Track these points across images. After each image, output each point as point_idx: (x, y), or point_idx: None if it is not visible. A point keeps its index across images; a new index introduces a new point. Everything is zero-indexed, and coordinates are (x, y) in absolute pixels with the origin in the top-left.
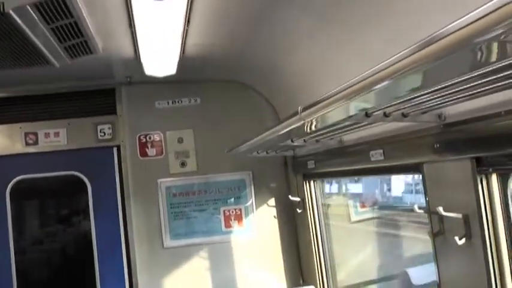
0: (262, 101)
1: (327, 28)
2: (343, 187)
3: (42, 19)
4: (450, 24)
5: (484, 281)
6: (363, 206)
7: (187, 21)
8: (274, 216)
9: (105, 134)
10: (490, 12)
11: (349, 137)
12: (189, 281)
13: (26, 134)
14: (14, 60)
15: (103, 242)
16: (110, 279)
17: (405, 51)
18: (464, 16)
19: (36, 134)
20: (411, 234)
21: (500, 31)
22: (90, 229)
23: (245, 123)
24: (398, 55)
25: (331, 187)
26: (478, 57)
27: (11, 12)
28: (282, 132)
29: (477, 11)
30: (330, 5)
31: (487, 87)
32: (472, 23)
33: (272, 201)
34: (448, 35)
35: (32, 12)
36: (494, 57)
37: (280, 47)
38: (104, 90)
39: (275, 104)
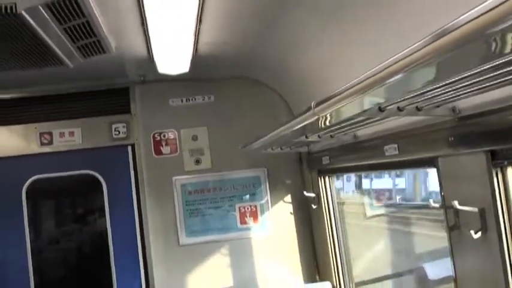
0: (275, 97)
1: (336, 24)
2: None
3: (54, 19)
4: (463, 15)
5: (500, 275)
6: None
7: (200, 19)
8: (291, 213)
9: (119, 132)
10: (503, 2)
11: (364, 132)
12: (205, 278)
13: (41, 134)
14: (27, 60)
15: (119, 240)
16: (126, 277)
17: (418, 43)
18: (476, 6)
19: (51, 134)
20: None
21: None
22: (106, 228)
23: (259, 119)
24: (410, 48)
25: (371, 182)
26: (492, 48)
27: (23, 13)
28: (296, 128)
29: (490, 1)
30: (339, 1)
31: (500, 80)
32: (484, 13)
33: (287, 198)
34: (461, 26)
35: (44, 12)
36: (508, 49)
37: (292, 43)
38: (118, 89)
39: (288, 99)
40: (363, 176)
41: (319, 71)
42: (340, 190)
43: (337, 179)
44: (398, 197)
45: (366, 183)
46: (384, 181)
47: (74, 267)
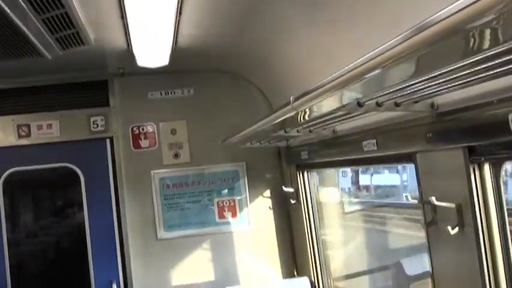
0: (255, 91)
1: (318, 17)
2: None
3: (32, 10)
4: (441, 10)
5: (476, 270)
6: None
7: (179, 11)
8: (269, 208)
9: (98, 125)
10: None
11: (343, 127)
12: (183, 272)
13: (19, 126)
14: (5, 51)
15: (96, 234)
16: (104, 270)
17: (396, 38)
18: (455, 2)
19: (28, 126)
20: None
21: (492, 17)
22: (84, 221)
23: (238, 113)
24: (389, 43)
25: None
26: (470, 44)
27: (0, 2)
28: (275, 122)
29: None
30: None
31: (479, 76)
32: (463, 8)
33: (266, 193)
34: (439, 21)
35: (22, 2)
36: (486, 44)
37: (273, 36)
38: (97, 81)
39: (268, 94)
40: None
41: (299, 66)
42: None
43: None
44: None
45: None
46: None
47: (51, 260)
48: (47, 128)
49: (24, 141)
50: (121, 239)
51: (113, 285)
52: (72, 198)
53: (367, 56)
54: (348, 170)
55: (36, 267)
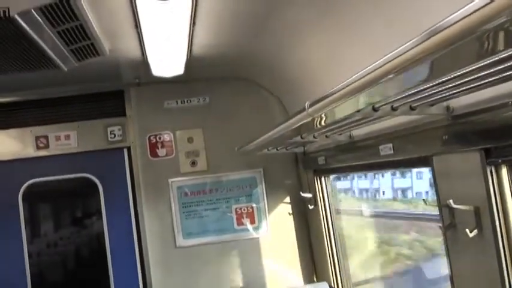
0: (271, 98)
1: (331, 22)
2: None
3: (47, 23)
4: (455, 13)
5: (496, 273)
6: None
7: (193, 21)
8: (288, 213)
9: (115, 135)
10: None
11: (359, 132)
12: (203, 280)
13: (37, 138)
14: (21, 64)
15: (116, 243)
16: (124, 280)
17: (410, 42)
18: (468, 4)
19: (46, 138)
20: None
21: (506, 19)
22: (103, 230)
23: (255, 120)
24: (403, 46)
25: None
26: (484, 46)
27: (16, 16)
28: (290, 128)
29: None
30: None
31: (494, 78)
32: (477, 10)
33: (284, 199)
34: (453, 24)
35: (37, 16)
36: (500, 46)
37: (287, 43)
38: (113, 92)
39: (284, 100)
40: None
41: (314, 71)
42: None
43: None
44: None
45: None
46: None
47: (72, 270)
48: (64, 139)
49: (42, 153)
50: (140, 248)
51: None
52: (91, 208)
53: (381, 60)
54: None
55: (56, 277)
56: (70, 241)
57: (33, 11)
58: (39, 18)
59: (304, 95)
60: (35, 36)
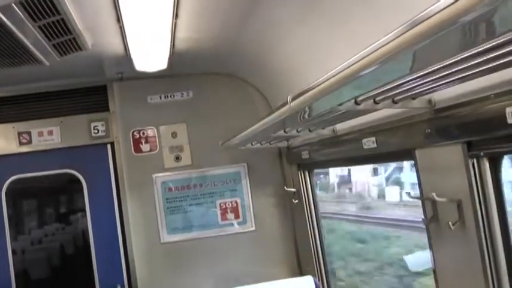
0: (254, 93)
1: (314, 16)
2: None
3: (28, 17)
4: (436, 3)
5: (478, 265)
6: None
7: (176, 14)
8: (272, 208)
9: (98, 131)
10: None
11: (342, 126)
12: (188, 275)
13: (20, 134)
14: (2, 59)
15: (100, 239)
16: (109, 276)
17: (391, 34)
18: None
19: (29, 133)
20: None
21: (487, 9)
22: (87, 226)
23: (238, 115)
24: (384, 38)
25: None
26: (466, 37)
27: None
28: (274, 122)
29: None
30: None
31: (475, 70)
32: (457, 0)
33: (268, 193)
34: (434, 14)
35: (18, 10)
36: (481, 38)
37: (270, 37)
38: (96, 87)
39: (267, 95)
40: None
41: (297, 65)
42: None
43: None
44: None
45: None
46: None
47: (56, 266)
48: (47, 135)
49: (25, 149)
50: (124, 243)
51: None
52: (74, 204)
53: (362, 52)
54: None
55: (40, 274)
56: (54, 237)
57: (14, 5)
58: (20, 12)
59: (288, 90)
60: (16, 31)
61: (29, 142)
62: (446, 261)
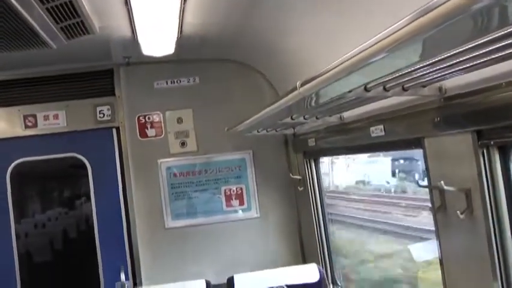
0: (261, 80)
1: (327, 6)
2: None
3: None
4: None
5: (486, 254)
6: None
7: None
8: (276, 195)
9: (104, 115)
10: None
11: (350, 114)
12: (191, 261)
13: (25, 117)
14: (10, 42)
15: (104, 223)
16: (112, 260)
17: (402, 20)
18: None
19: (35, 117)
20: None
21: None
22: (91, 211)
23: (245, 102)
24: (395, 25)
25: None
26: (478, 25)
27: None
28: (281, 108)
29: None
30: None
31: (487, 58)
32: None
33: (273, 180)
34: (445, 2)
35: None
36: (494, 25)
37: (278, 23)
38: (102, 71)
39: (274, 82)
40: None
41: (305, 53)
42: None
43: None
44: None
45: None
46: None
47: (60, 250)
48: (53, 119)
49: (30, 132)
50: (129, 228)
51: (121, 274)
52: (79, 188)
53: (373, 39)
54: None
55: (44, 257)
56: (58, 221)
57: None
58: None
59: (295, 77)
60: (24, 13)
61: (35, 125)
62: (453, 250)
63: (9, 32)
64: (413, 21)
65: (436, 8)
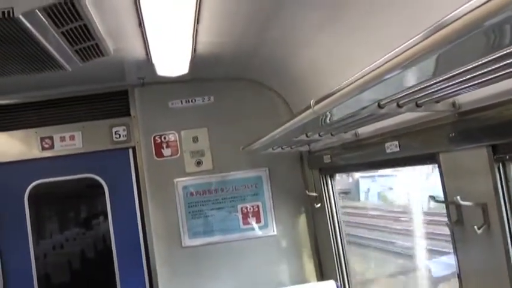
0: (275, 98)
1: (336, 21)
2: None
3: (52, 23)
4: (460, 7)
5: (504, 269)
6: None
7: (197, 19)
8: (295, 212)
9: (120, 135)
10: None
11: (364, 130)
12: (209, 280)
13: (42, 139)
14: (25, 65)
15: (122, 243)
16: (130, 280)
17: (415, 37)
18: None
19: (51, 138)
20: None
21: (511, 13)
22: (109, 231)
23: (259, 120)
24: (408, 42)
25: None
26: (490, 41)
27: (20, 17)
28: (296, 126)
29: None
30: None
31: (500, 73)
32: (482, 5)
33: (289, 197)
34: (458, 18)
35: (41, 16)
36: (507, 40)
37: (291, 42)
38: (117, 92)
39: (288, 100)
40: None
41: (319, 70)
42: None
43: None
44: None
45: None
46: None
47: (78, 271)
48: (69, 140)
49: (47, 154)
50: (146, 248)
51: None
52: (96, 209)
53: (386, 56)
54: None
55: (63, 278)
56: (76, 242)
57: (37, 11)
58: (43, 18)
59: (310, 95)
60: (40, 37)
61: (51, 147)
62: (471, 265)
63: (25, 56)
64: (427, 37)
65: (449, 24)
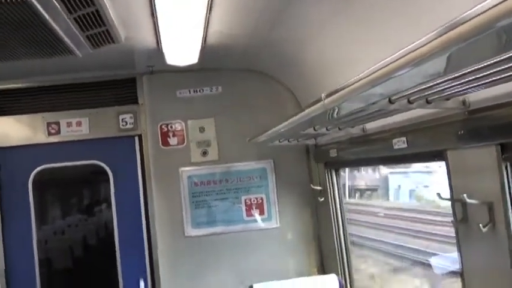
0: (283, 90)
1: (348, 14)
2: None
3: (64, 8)
4: (473, 7)
5: (507, 268)
6: None
7: (209, 8)
8: (298, 205)
9: (126, 123)
10: None
11: (372, 125)
12: (210, 270)
13: (49, 124)
14: (36, 49)
15: (124, 230)
16: (132, 267)
17: (429, 35)
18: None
19: (58, 124)
20: None
21: None
22: (112, 218)
23: (266, 112)
24: (421, 40)
25: None
26: (503, 41)
27: (34, 2)
28: (305, 119)
29: None
30: None
31: (511, 73)
32: (495, 6)
33: (293, 190)
34: (471, 18)
35: (54, 1)
36: None
37: (302, 35)
38: (125, 79)
39: (296, 93)
40: None
41: (329, 64)
42: None
43: None
44: None
45: None
46: None
47: (80, 257)
48: (76, 126)
49: (53, 139)
50: (149, 236)
51: (141, 282)
52: (100, 196)
53: (397, 53)
54: None
55: (64, 264)
56: (79, 228)
57: None
58: (56, 3)
59: (318, 89)
60: (51, 21)
61: (58, 132)
62: (475, 263)
63: (36, 40)
64: (440, 36)
65: (462, 24)
